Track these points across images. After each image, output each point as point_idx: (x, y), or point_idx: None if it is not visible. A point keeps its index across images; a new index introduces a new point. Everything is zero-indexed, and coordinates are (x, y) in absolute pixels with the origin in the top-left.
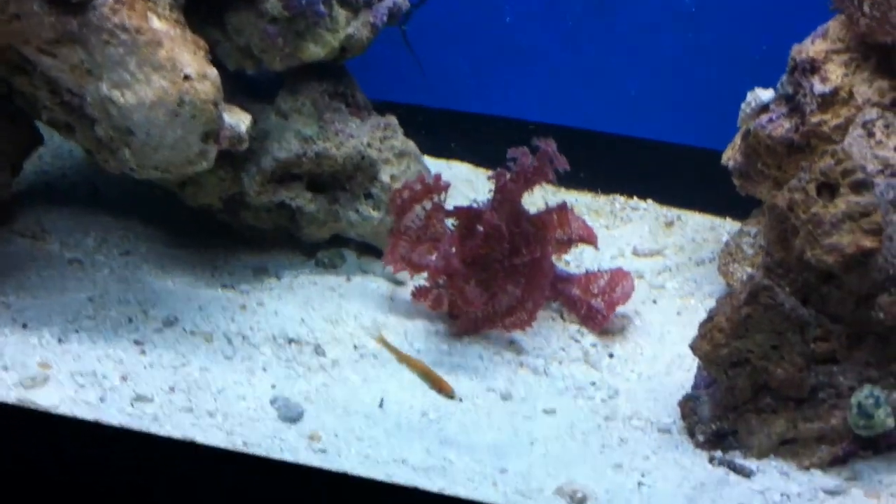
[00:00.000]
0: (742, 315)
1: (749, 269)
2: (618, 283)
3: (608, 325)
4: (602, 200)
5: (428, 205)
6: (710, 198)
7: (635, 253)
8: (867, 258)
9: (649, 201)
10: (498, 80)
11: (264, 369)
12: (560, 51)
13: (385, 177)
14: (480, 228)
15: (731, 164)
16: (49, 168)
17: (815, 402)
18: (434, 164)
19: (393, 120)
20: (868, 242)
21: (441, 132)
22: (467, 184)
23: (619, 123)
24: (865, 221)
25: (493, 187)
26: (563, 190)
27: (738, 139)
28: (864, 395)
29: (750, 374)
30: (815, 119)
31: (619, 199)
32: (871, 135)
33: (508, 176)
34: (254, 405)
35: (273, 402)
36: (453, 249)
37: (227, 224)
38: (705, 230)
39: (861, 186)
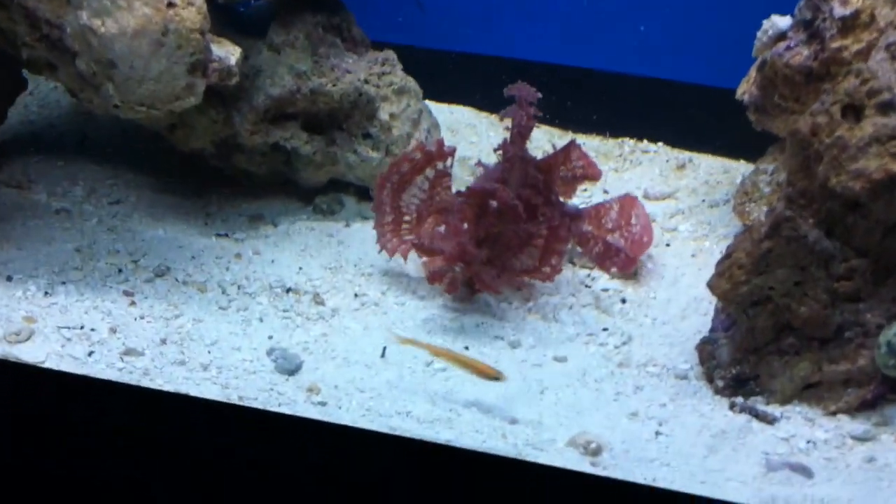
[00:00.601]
0: (763, 249)
1: (766, 209)
2: (629, 212)
3: (625, 269)
4: (611, 143)
5: (430, 173)
6: (724, 140)
7: (646, 196)
8: (895, 184)
9: (660, 144)
10: (501, 20)
11: (261, 319)
12: None
13: (384, 115)
14: (494, 204)
15: (745, 98)
16: (36, 118)
17: (840, 342)
18: (436, 108)
19: (391, 55)
20: None
21: (443, 74)
22: (470, 128)
23: (627, 62)
24: (894, 144)
25: (501, 143)
26: (570, 133)
27: (753, 71)
28: (893, 332)
29: (772, 313)
30: (835, 45)
31: (629, 143)
32: (894, 58)
33: (509, 138)
34: (250, 357)
35: (270, 353)
36: (465, 226)
37: (220, 170)
38: (718, 172)
39: (888, 107)
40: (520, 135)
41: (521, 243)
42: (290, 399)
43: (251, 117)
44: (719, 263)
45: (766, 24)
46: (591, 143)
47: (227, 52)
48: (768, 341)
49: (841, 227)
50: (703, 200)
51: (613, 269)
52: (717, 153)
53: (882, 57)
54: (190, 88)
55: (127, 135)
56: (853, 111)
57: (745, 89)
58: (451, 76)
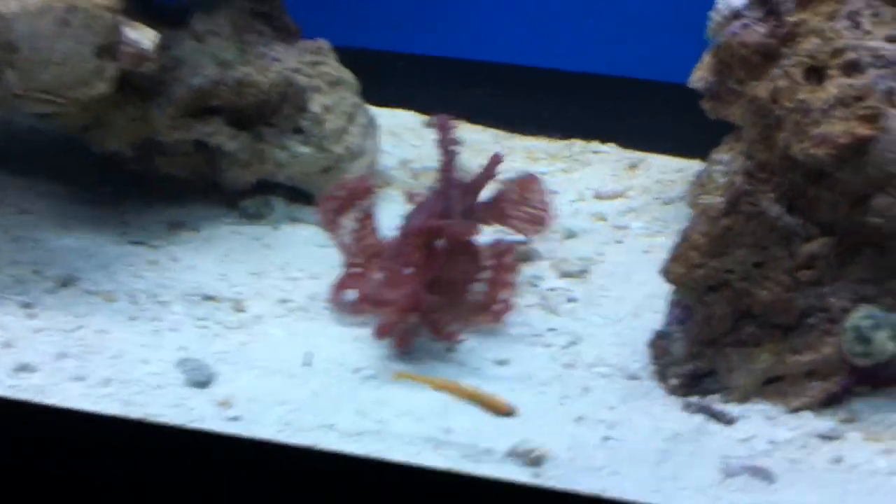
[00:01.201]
0: (721, 228)
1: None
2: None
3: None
4: (559, 144)
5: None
6: (678, 139)
7: (597, 196)
8: (863, 149)
9: (611, 145)
10: (444, 19)
11: (173, 330)
12: None
13: (316, 107)
14: (441, 242)
15: (700, 85)
16: None
17: (804, 330)
18: (377, 113)
19: (325, 44)
20: (864, 130)
21: (383, 78)
22: (412, 132)
23: (574, 60)
24: (860, 106)
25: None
26: (517, 136)
27: (707, 56)
28: (860, 315)
29: (730, 299)
30: (793, 19)
31: (579, 143)
32: (857, 25)
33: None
34: (158, 369)
35: (180, 364)
36: (411, 270)
37: (139, 175)
38: (671, 171)
39: (853, 68)
40: (449, 163)
41: (470, 280)
42: (199, 415)
43: (171, 111)
44: (674, 247)
45: (720, 2)
46: (538, 145)
47: (143, 36)
48: (726, 331)
49: (804, 201)
50: (657, 198)
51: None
52: (672, 153)
53: (844, 25)
54: (99, 72)
55: (45, 146)
56: (816, 73)
57: (700, 75)
58: (393, 79)
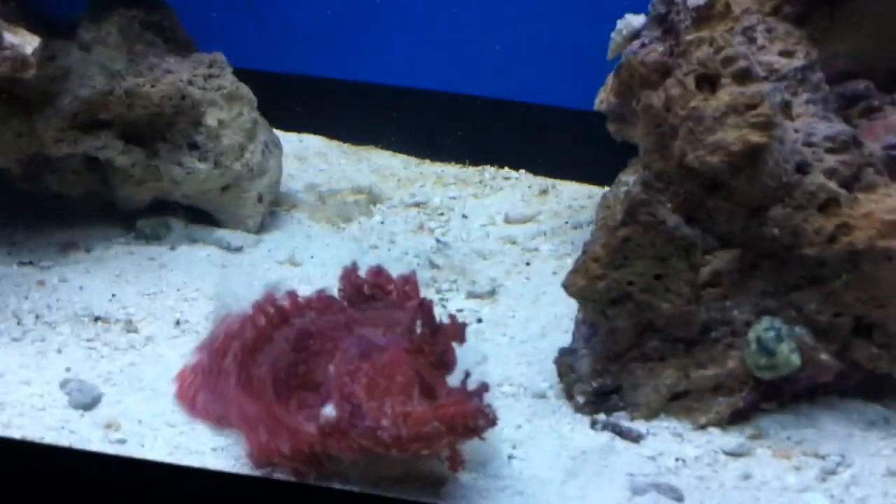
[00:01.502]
0: (619, 238)
1: None
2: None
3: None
4: (471, 171)
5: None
6: (588, 166)
7: (507, 220)
8: (756, 156)
9: (522, 171)
10: (353, 40)
11: (59, 351)
12: (419, 5)
13: (212, 121)
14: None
15: (603, 107)
16: None
17: (707, 344)
18: (284, 138)
19: (220, 57)
20: (756, 137)
21: (290, 102)
22: (320, 156)
23: (484, 85)
24: (752, 114)
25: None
26: (427, 162)
27: (610, 78)
28: (762, 327)
29: (632, 312)
30: (690, 37)
31: (490, 170)
32: (752, 40)
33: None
34: (40, 391)
35: (63, 385)
36: None
37: (31, 194)
38: (582, 197)
39: (745, 76)
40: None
41: None
42: (83, 438)
43: (56, 122)
44: (576, 261)
45: (620, 23)
46: (450, 171)
47: (23, 41)
48: (630, 345)
49: (702, 211)
50: (567, 222)
51: None
52: (581, 180)
53: (739, 41)
54: None
55: None
56: (708, 82)
57: (603, 97)
58: (300, 104)
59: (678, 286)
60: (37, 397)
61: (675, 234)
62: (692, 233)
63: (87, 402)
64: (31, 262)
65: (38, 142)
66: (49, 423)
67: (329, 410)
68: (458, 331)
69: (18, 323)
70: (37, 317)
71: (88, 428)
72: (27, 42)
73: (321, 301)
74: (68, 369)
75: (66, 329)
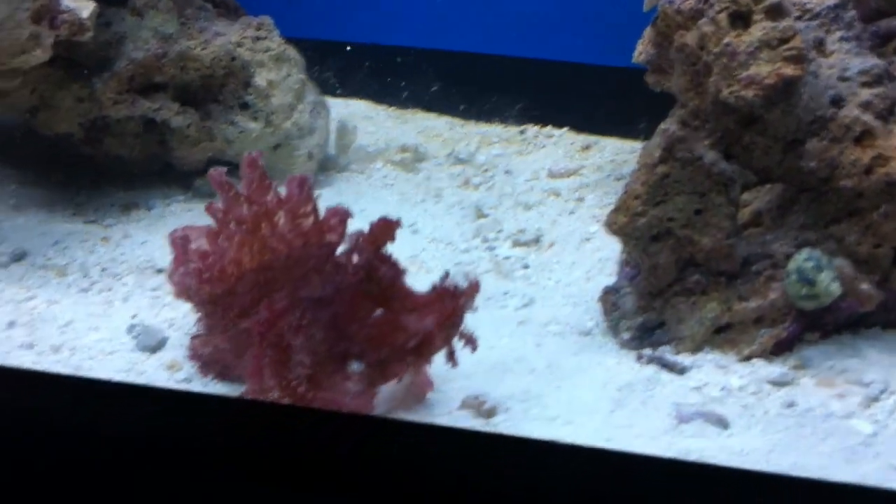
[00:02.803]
0: (658, 175)
1: None
2: None
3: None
4: (514, 130)
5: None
6: (630, 123)
7: (550, 174)
8: (790, 89)
9: (564, 129)
10: (396, 5)
11: (125, 300)
12: None
13: (261, 81)
14: None
15: (642, 58)
16: None
17: (749, 277)
18: (331, 104)
19: (267, 20)
20: (790, 70)
21: (335, 68)
22: (367, 120)
23: (527, 46)
24: (785, 48)
25: None
26: (471, 122)
27: (647, 30)
28: (802, 258)
29: (673, 248)
30: None
31: (533, 128)
32: None
33: None
34: (109, 336)
35: (130, 330)
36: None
37: (91, 158)
38: (625, 152)
39: (777, 11)
40: None
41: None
42: (150, 378)
43: (114, 85)
44: (617, 200)
45: None
46: (493, 130)
47: (79, 5)
48: (672, 281)
49: (739, 147)
50: (609, 175)
51: None
52: (624, 136)
53: None
54: (35, 39)
55: None
56: (741, 18)
57: (641, 50)
58: (346, 70)
59: (718, 221)
60: (105, 342)
61: (713, 170)
62: (730, 168)
63: (153, 345)
64: (95, 221)
65: (98, 105)
66: (118, 365)
67: (357, 367)
68: (385, 230)
69: (86, 275)
70: (103, 269)
71: (155, 370)
72: (83, 6)
73: None
74: (134, 316)
75: (130, 280)
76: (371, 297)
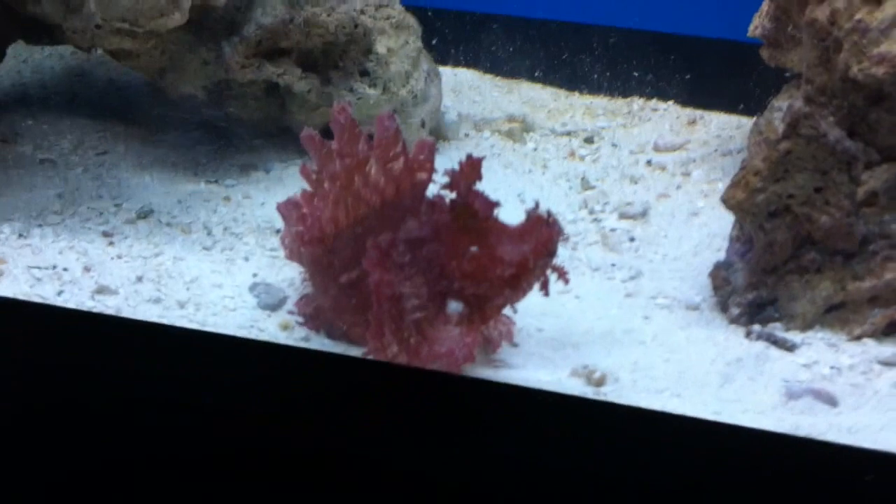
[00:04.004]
0: (781, 152)
1: None
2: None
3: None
4: (619, 102)
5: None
6: (736, 98)
7: (656, 148)
8: None
9: (670, 103)
10: None
11: (246, 259)
12: None
13: (381, 48)
14: None
15: (758, 32)
16: (28, 81)
17: (865, 256)
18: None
19: None
20: None
21: (443, 36)
22: (474, 89)
23: (632, 17)
24: None
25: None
26: (576, 94)
27: (765, 4)
28: None
29: (790, 225)
30: None
31: (638, 101)
32: None
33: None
34: (231, 293)
35: (252, 289)
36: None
37: (212, 122)
38: (731, 127)
39: None
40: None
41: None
42: (271, 336)
43: (242, 49)
44: (734, 176)
45: None
46: (598, 102)
47: None
48: (787, 258)
49: (864, 125)
50: (716, 150)
51: None
52: (730, 111)
53: None
54: (174, 3)
55: (118, 91)
56: None
57: (758, 23)
58: (454, 39)
59: (838, 199)
60: (228, 299)
61: (837, 148)
62: (854, 146)
63: (274, 304)
64: (215, 181)
65: (223, 68)
66: (240, 322)
67: (455, 307)
68: (475, 167)
69: (209, 234)
70: (224, 228)
71: (275, 328)
72: None
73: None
74: (255, 275)
75: (251, 240)
76: (467, 233)
